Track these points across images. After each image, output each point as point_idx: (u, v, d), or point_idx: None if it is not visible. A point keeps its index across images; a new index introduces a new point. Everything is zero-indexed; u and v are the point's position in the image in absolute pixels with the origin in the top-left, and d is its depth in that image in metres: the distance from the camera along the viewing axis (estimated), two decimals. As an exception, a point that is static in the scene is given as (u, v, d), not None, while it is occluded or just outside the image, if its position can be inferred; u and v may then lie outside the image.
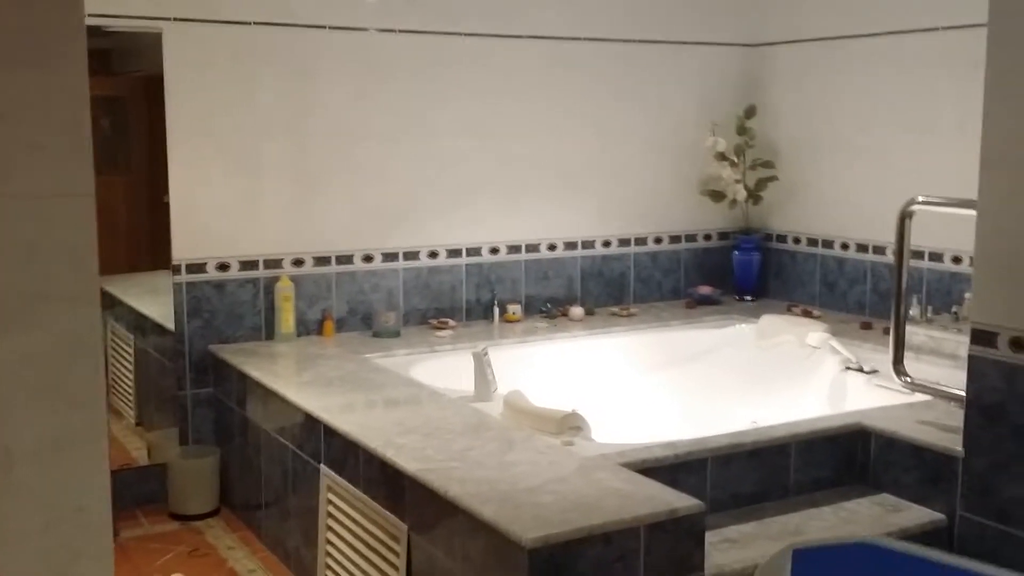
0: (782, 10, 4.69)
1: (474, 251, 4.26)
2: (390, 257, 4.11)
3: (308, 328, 3.95)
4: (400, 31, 4.03)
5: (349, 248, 4.03)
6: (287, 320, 3.86)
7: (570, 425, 2.82)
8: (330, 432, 2.89)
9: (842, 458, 2.98)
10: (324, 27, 3.89)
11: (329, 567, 2.89)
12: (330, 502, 2.89)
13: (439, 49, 4.11)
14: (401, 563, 2.51)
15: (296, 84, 3.87)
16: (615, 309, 4.47)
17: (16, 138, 0.98)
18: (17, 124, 0.97)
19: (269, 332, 3.87)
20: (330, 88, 3.93)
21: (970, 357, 2.67)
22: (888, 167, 4.24)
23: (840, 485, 2.96)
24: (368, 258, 4.07)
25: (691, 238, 4.77)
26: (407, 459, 2.54)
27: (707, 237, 4.81)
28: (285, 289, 3.85)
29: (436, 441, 2.68)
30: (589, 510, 2.21)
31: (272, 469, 3.34)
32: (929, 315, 3.90)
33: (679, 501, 2.28)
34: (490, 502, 2.24)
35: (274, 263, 3.89)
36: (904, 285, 3.05)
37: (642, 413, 3.81)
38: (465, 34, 4.15)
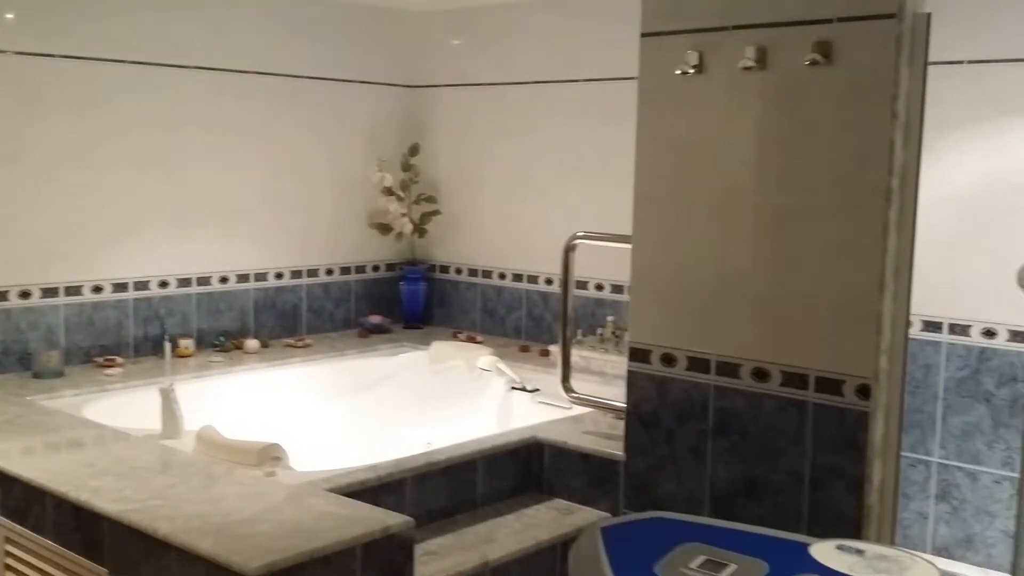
0: (442, 56, 4.99)
1: (142, 284, 4.12)
2: (50, 292, 3.87)
3: (-43, 371, 3.63)
4: (59, 56, 3.83)
5: (3, 283, 3.75)
6: (-68, 363, 3.53)
7: (270, 456, 2.85)
8: (7, 480, 2.70)
9: (520, 469, 3.26)
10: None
11: (7, 626, 2.70)
12: (9, 554, 2.70)
13: (102, 76, 3.95)
14: (101, 610, 2.42)
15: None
16: (290, 340, 4.51)
17: None
18: None
19: (-90, 377, 3.51)
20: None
21: (629, 372, 3.05)
22: (540, 203, 4.65)
23: (520, 494, 3.24)
24: (25, 294, 3.81)
25: (360, 269, 4.92)
26: (105, 501, 2.45)
27: (376, 268, 4.99)
28: (-71, 329, 3.52)
29: (133, 481, 2.60)
30: (307, 535, 2.27)
31: (-74, 527, 3.03)
32: (579, 337, 4.32)
33: (390, 519, 2.40)
34: (206, 536, 2.24)
35: (-85, 301, 3.54)
36: (570, 311, 3.40)
37: (326, 441, 3.89)
38: (130, 62, 4.03)
